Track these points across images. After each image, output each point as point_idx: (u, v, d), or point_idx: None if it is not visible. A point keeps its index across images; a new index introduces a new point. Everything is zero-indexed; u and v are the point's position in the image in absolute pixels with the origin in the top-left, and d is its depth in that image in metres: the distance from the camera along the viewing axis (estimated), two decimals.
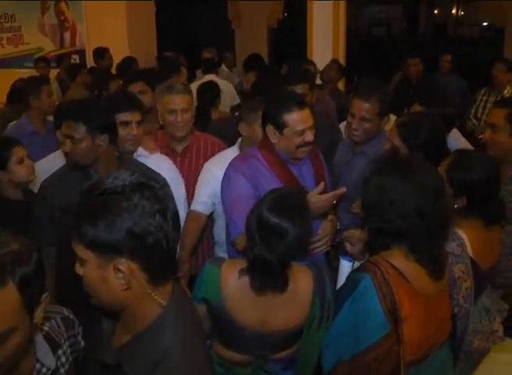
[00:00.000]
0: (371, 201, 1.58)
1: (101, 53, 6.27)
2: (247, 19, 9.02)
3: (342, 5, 5.77)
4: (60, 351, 1.31)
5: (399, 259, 1.55)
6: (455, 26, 13.50)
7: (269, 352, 1.81)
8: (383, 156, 2.08)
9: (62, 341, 1.32)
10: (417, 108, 2.79)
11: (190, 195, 2.69)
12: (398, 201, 1.51)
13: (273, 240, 1.64)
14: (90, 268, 1.13)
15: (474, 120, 5.08)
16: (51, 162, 2.71)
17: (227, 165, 2.35)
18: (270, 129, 2.24)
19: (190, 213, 2.64)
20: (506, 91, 5.02)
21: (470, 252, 1.85)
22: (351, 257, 1.99)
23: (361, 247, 1.89)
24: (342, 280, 1.90)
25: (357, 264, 1.92)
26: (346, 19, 5.97)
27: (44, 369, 1.24)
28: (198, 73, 6.44)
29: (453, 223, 1.76)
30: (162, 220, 1.10)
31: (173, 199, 1.18)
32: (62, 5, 7.23)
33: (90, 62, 6.68)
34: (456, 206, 1.88)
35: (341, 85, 5.75)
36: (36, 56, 7.02)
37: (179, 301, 1.22)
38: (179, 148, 2.86)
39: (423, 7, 13.90)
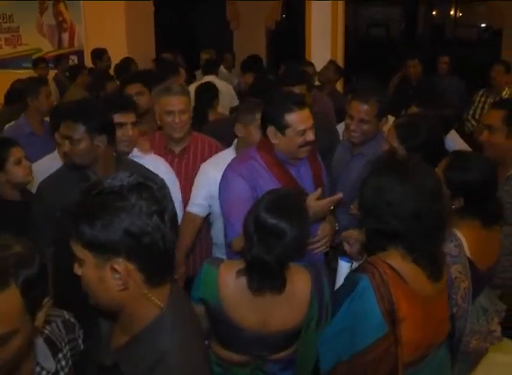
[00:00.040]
0: (369, 202, 1.59)
1: (99, 54, 6.27)
2: (245, 20, 9.04)
3: (340, 6, 5.78)
4: (60, 355, 1.31)
5: (396, 260, 1.55)
6: (453, 27, 13.51)
7: (267, 353, 1.81)
8: (381, 157, 2.08)
9: (63, 344, 1.33)
10: (413, 109, 2.80)
11: (187, 197, 2.68)
12: (395, 202, 1.52)
13: (271, 241, 1.64)
14: (87, 268, 1.13)
15: (472, 122, 5.09)
16: (49, 163, 2.71)
17: (223, 166, 2.35)
18: (271, 130, 2.24)
19: (186, 215, 2.63)
20: (504, 93, 5.03)
21: (467, 253, 1.85)
22: (350, 257, 2.00)
23: (359, 247, 1.89)
24: (340, 280, 1.90)
25: (355, 264, 1.92)
26: (345, 20, 5.96)
27: (43, 373, 1.24)
28: (198, 73, 6.43)
29: (451, 223, 1.77)
30: (160, 221, 1.10)
31: (172, 200, 1.18)
32: (61, 5, 7.23)
33: (88, 62, 6.67)
34: (453, 207, 1.89)
35: (340, 86, 5.75)
36: (34, 57, 7.01)
37: (177, 303, 1.22)
38: (177, 149, 2.85)
39: (421, 8, 13.91)
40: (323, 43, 5.76)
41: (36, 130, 3.61)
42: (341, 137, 3.37)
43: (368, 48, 11.86)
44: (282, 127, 2.22)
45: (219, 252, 2.69)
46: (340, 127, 3.45)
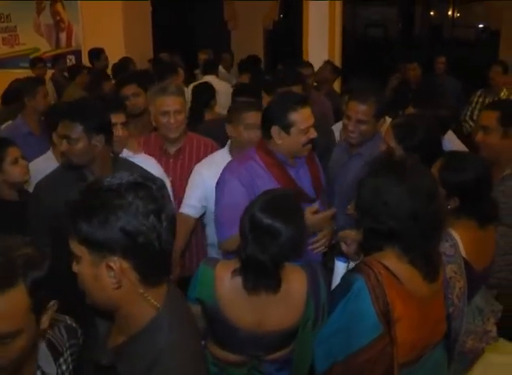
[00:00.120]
0: (366, 202, 1.59)
1: (96, 54, 6.25)
2: (243, 20, 9.03)
3: (338, 6, 5.78)
4: (61, 360, 1.32)
5: (392, 260, 1.55)
6: (451, 27, 13.55)
7: (264, 353, 1.81)
8: (378, 158, 2.09)
9: (64, 349, 1.33)
10: (410, 110, 2.80)
11: (183, 197, 2.67)
12: (392, 202, 1.52)
13: (266, 240, 1.65)
14: (84, 265, 1.13)
15: (470, 122, 5.09)
16: (45, 163, 2.71)
17: (217, 167, 2.36)
18: (275, 130, 2.24)
19: (179, 216, 2.61)
20: (502, 93, 5.03)
21: (463, 253, 1.86)
22: (346, 257, 2.00)
23: (356, 247, 1.90)
24: (337, 280, 1.90)
25: (352, 264, 1.93)
26: (342, 20, 5.96)
27: None
28: (197, 73, 6.43)
29: (447, 223, 1.77)
30: (156, 221, 1.11)
31: (171, 201, 1.18)
32: (58, 5, 7.22)
33: (86, 62, 6.67)
34: (449, 207, 1.90)
35: (337, 86, 5.75)
36: (31, 56, 6.99)
37: (173, 303, 1.22)
38: (172, 150, 2.84)
39: (419, 8, 13.95)
40: (321, 43, 5.76)
41: (33, 130, 3.61)
42: (338, 137, 3.37)
43: (365, 48, 11.89)
44: (286, 126, 2.22)
45: (215, 253, 2.69)
46: (337, 127, 3.46)
